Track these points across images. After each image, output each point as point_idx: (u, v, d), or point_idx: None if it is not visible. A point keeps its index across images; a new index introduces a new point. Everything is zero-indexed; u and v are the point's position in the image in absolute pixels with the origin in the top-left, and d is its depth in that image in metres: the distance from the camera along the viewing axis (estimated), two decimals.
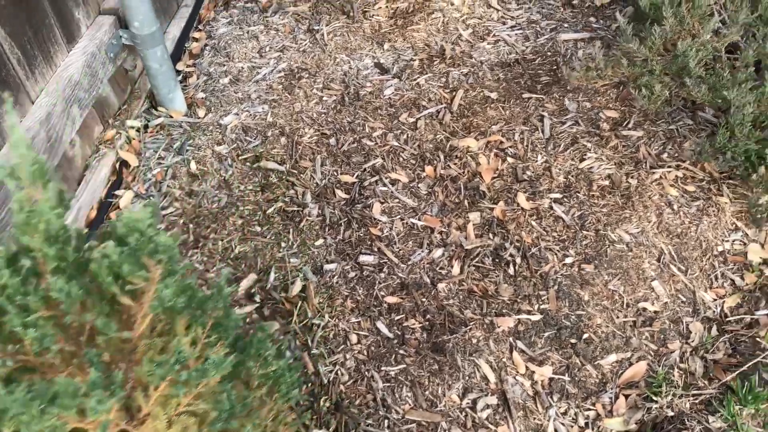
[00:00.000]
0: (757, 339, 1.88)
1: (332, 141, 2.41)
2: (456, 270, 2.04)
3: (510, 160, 2.33)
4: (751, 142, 2.04)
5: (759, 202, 2.04)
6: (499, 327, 1.91)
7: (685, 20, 2.15)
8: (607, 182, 2.24)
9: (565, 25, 2.78)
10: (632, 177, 2.24)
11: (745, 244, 2.11)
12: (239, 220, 2.18)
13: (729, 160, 2.10)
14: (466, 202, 2.22)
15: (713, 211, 2.16)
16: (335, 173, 2.31)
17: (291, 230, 2.15)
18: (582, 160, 2.30)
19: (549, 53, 2.68)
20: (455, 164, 2.33)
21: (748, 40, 2.16)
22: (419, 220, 2.19)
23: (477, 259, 2.06)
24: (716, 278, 2.04)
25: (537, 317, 1.93)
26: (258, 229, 2.16)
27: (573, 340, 1.89)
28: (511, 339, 1.89)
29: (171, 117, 2.46)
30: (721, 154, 2.13)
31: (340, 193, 2.25)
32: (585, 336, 1.90)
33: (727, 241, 2.12)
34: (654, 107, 2.18)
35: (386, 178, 2.29)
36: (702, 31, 2.13)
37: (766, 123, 2.05)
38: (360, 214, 2.18)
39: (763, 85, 2.03)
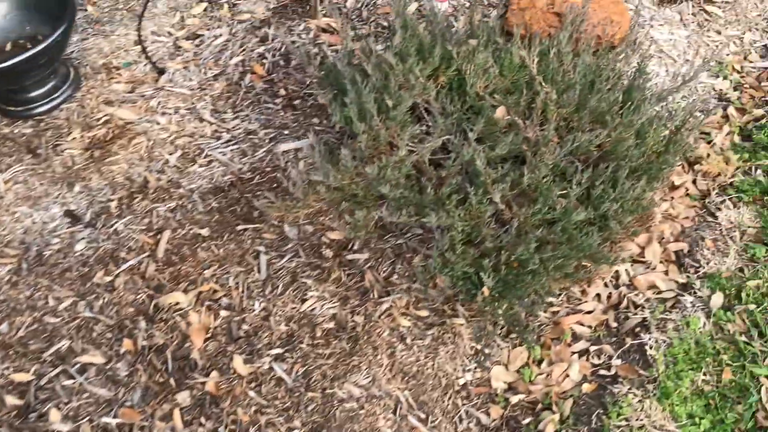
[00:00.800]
0: None
1: (3, 327, 1.97)
2: None
3: (224, 313, 2.00)
4: (466, 264, 1.84)
5: (486, 328, 1.84)
6: None
7: (380, 135, 1.93)
8: (332, 324, 1.97)
9: (286, 132, 2.51)
10: (359, 313, 1.98)
11: (488, 369, 1.90)
12: None
13: (450, 283, 1.89)
14: (173, 380, 1.87)
15: (449, 337, 1.94)
16: (5, 372, 1.87)
17: None
18: (303, 300, 2.02)
19: (268, 169, 2.39)
20: (161, 329, 1.97)
21: (459, 139, 1.98)
22: (114, 416, 1.80)
23: None
24: (460, 420, 1.81)
25: None
26: None
27: None
28: None
29: None
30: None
31: (11, 400, 1.82)
32: None
33: (469, 370, 1.90)
34: (362, 235, 1.93)
35: (74, 365, 1.89)
36: (401, 144, 1.92)
37: (479, 239, 1.86)
38: (32, 429, 1.76)
39: (469, 196, 1.83)
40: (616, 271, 2.16)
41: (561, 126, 2.15)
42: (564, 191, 1.94)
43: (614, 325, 2.04)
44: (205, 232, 2.20)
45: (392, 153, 1.91)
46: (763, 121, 2.63)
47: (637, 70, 2.36)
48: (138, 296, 2.04)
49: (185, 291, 2.05)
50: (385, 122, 1.95)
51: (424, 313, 1.98)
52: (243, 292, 2.04)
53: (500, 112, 2.18)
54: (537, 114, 2.10)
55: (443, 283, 1.98)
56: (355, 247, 2.14)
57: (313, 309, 1.99)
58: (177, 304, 2.02)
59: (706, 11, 3.13)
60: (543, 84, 2.06)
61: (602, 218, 1.98)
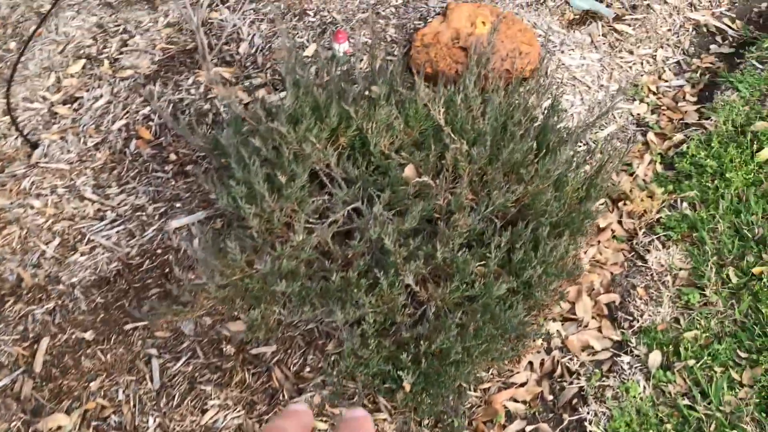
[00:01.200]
0: None
1: None
2: None
3: None
4: (382, 359, 1.64)
5: (410, 424, 1.64)
6: None
7: (274, 217, 1.71)
8: None
9: (178, 204, 2.26)
10: (268, 421, 1.75)
11: None
12: None
13: (367, 380, 1.69)
14: None
15: None
16: None
17: None
18: (204, 411, 1.78)
19: (159, 251, 2.14)
20: None
21: (367, 209, 1.78)
22: None
23: None
24: None
25: None
26: None
27: None
28: None
29: None
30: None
31: None
32: None
33: None
34: (261, 335, 1.71)
35: None
36: (298, 227, 1.70)
37: (393, 329, 1.66)
38: None
39: (379, 280, 1.63)
40: (548, 331, 2.00)
41: (475, 181, 1.98)
42: (482, 261, 1.76)
43: (550, 398, 1.87)
44: (89, 335, 1.94)
45: (288, 237, 1.69)
46: (684, 146, 2.52)
47: (550, 108, 2.21)
48: (12, 424, 1.77)
49: (68, 411, 1.79)
50: (279, 201, 1.73)
51: (338, 411, 1.77)
52: (135, 406, 1.79)
53: (409, 171, 2.00)
54: (448, 171, 1.92)
55: (361, 377, 1.78)
56: (260, 337, 1.91)
57: (215, 421, 1.76)
58: (59, 429, 1.76)
59: (616, 30, 3.02)
60: (452, 135, 1.88)
61: (526, 286, 1.82)
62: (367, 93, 2.15)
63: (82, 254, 2.13)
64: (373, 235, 1.70)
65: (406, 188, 1.86)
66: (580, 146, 2.52)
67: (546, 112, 2.18)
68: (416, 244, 1.75)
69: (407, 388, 1.64)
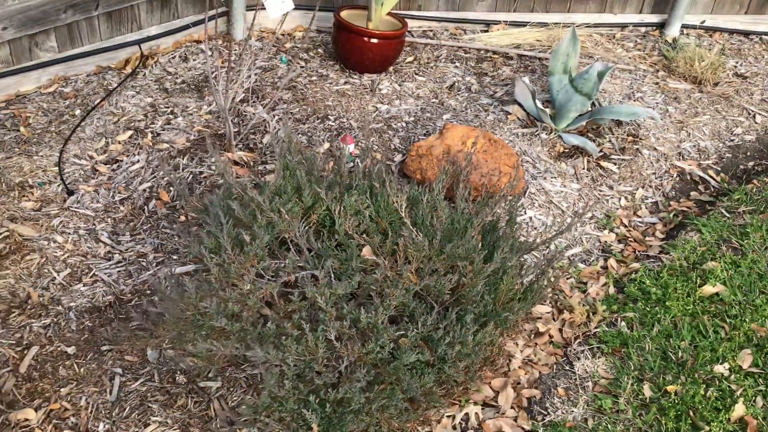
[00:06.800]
0: None
1: None
2: None
3: None
4: (297, 401, 1.90)
5: None
6: None
7: (231, 269, 2.04)
8: None
9: (175, 257, 2.63)
10: None
11: None
12: None
13: (281, 417, 1.94)
14: None
15: None
16: None
17: None
18: (146, 425, 2.06)
19: (149, 291, 2.49)
20: None
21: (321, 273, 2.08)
22: None
23: None
24: None
25: None
26: None
27: None
28: None
29: None
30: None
31: None
32: None
33: None
34: (203, 366, 2.00)
35: None
36: (247, 278, 2.02)
37: (310, 376, 1.92)
38: None
39: (305, 332, 1.92)
40: (467, 414, 2.21)
41: (421, 268, 2.27)
42: (402, 332, 2.02)
43: None
44: (71, 350, 2.27)
45: (240, 287, 2.01)
46: (637, 274, 2.74)
47: (508, 220, 2.51)
48: None
49: (37, 408, 2.09)
50: (239, 256, 2.07)
51: None
52: (91, 412, 2.09)
53: (366, 251, 2.30)
54: (400, 256, 2.22)
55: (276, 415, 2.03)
56: (211, 374, 2.20)
57: None
58: (26, 420, 2.06)
59: (601, 166, 3.33)
60: (411, 227, 2.18)
61: (441, 361, 2.06)
62: (347, 183, 2.51)
63: (84, 285, 2.49)
64: (309, 294, 2.00)
65: (354, 262, 2.17)
66: (539, 258, 2.77)
67: (505, 223, 2.48)
68: (349, 309, 2.04)
69: (315, 429, 1.89)
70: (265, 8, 2.82)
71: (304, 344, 1.95)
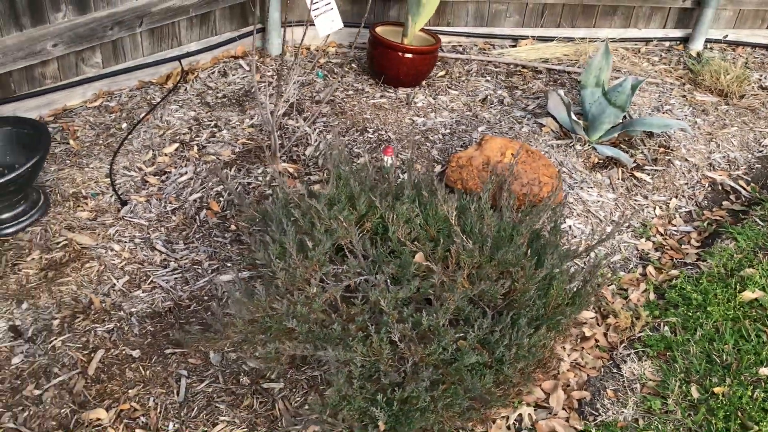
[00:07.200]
0: None
1: None
2: None
3: (139, 431, 2.11)
4: (364, 399, 1.97)
5: None
6: None
7: (297, 273, 2.12)
8: None
9: (229, 264, 2.71)
10: None
11: None
12: None
13: (349, 416, 2.01)
14: None
15: None
16: None
17: None
18: (214, 424, 2.13)
19: (206, 297, 2.57)
20: None
21: (378, 279, 2.16)
22: None
23: None
24: None
25: None
26: None
27: None
28: None
29: None
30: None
31: None
32: None
33: None
34: (273, 367, 2.08)
35: None
36: (313, 282, 2.10)
37: (376, 375, 2.00)
38: None
39: (371, 334, 1.99)
40: (520, 415, 2.28)
41: (473, 274, 2.34)
42: (461, 335, 2.10)
43: None
44: (136, 353, 2.35)
45: (306, 290, 2.09)
46: (677, 280, 2.81)
47: (553, 228, 2.59)
48: (62, 410, 2.16)
49: (108, 408, 2.17)
50: (304, 261, 2.15)
51: None
52: (160, 412, 2.16)
53: (418, 257, 2.38)
54: (452, 262, 2.30)
55: (344, 413, 2.11)
56: (273, 376, 2.27)
57: None
58: (98, 420, 2.14)
59: (635, 177, 3.41)
60: (461, 235, 2.26)
61: (498, 362, 2.13)
62: (396, 192, 2.60)
63: (143, 291, 2.58)
64: (372, 298, 2.08)
65: (411, 268, 2.25)
66: (581, 265, 2.85)
67: (549, 231, 2.56)
68: (409, 312, 2.12)
69: (381, 427, 1.96)
70: (314, 25, 2.92)
71: (369, 345, 2.02)
